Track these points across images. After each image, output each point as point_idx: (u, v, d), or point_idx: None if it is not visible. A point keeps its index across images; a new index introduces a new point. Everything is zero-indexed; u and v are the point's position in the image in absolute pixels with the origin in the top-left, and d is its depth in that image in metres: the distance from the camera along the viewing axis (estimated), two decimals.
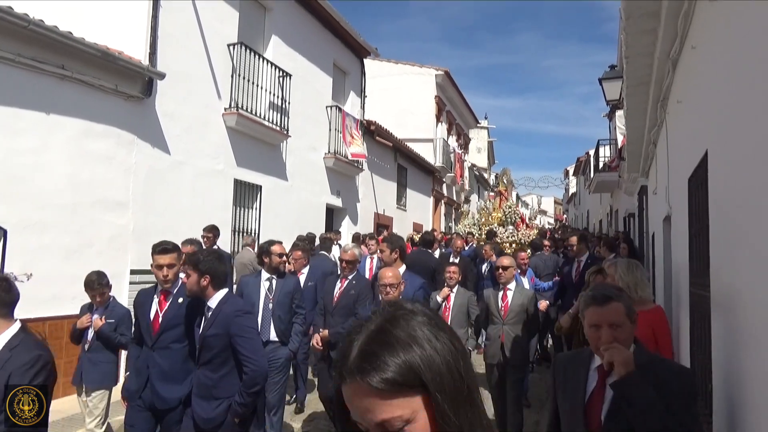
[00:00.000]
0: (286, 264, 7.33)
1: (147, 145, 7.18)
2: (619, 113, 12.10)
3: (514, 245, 12.12)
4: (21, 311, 5.72)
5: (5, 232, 5.28)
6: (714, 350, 2.58)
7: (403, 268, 4.58)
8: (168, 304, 3.62)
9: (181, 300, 3.60)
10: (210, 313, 3.24)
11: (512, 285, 5.08)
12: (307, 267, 6.33)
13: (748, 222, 1.96)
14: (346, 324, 4.69)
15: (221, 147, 8.69)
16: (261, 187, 9.70)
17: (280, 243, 5.24)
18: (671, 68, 4.06)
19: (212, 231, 7.26)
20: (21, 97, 5.61)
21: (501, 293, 5.06)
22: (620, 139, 13.08)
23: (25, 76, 5.64)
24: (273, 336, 4.80)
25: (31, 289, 5.33)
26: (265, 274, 5.00)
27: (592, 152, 21.12)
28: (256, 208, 9.67)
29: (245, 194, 9.43)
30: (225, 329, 3.11)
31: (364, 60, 14.36)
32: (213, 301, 3.25)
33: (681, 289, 4.12)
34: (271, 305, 4.85)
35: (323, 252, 8.46)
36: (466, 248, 11.31)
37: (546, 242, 9.39)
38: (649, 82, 4.77)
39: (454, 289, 5.54)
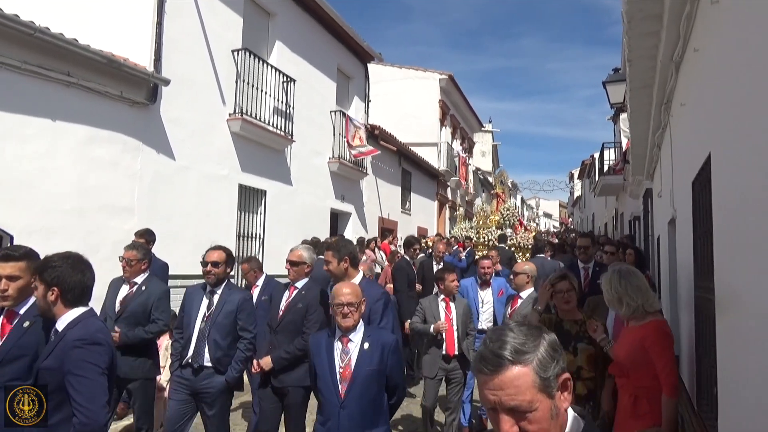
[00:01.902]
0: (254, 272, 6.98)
1: (152, 150, 7.22)
2: (624, 116, 12.09)
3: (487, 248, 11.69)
4: None
5: (11, 237, 5.32)
6: (719, 353, 2.57)
7: (359, 278, 3.87)
8: (10, 329, 2.73)
9: (27, 324, 2.72)
10: (54, 338, 2.49)
11: (525, 293, 4.98)
12: (263, 278, 5.64)
13: (753, 224, 1.95)
14: (291, 347, 4.00)
15: (226, 152, 8.72)
16: (265, 192, 9.73)
17: (220, 248, 4.27)
18: (674, 71, 4.05)
19: (144, 235, 6.12)
20: (27, 103, 5.65)
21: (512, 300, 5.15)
22: (624, 142, 13.05)
23: (32, 83, 5.69)
24: (207, 361, 4.05)
25: None
26: (208, 287, 4.21)
27: (596, 155, 21.08)
28: (260, 213, 9.70)
29: (250, 199, 9.46)
30: (61, 362, 2.37)
31: (368, 65, 14.40)
32: (61, 323, 2.48)
33: (685, 293, 4.10)
34: (203, 325, 4.08)
35: (321, 257, 8.48)
36: (464, 253, 11.16)
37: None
38: (653, 85, 4.77)
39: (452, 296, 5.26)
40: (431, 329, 4.98)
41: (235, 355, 4.12)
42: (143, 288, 4.59)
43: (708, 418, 2.99)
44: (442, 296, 5.18)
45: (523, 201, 44.56)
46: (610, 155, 17.94)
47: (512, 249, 11.40)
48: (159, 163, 7.35)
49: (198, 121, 8.08)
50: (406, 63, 21.69)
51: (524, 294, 5.05)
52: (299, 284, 4.24)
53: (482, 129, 29.97)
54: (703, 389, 3.08)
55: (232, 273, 4.39)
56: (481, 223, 14.15)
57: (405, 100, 19.78)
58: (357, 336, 3.05)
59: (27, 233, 5.55)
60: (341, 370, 2.99)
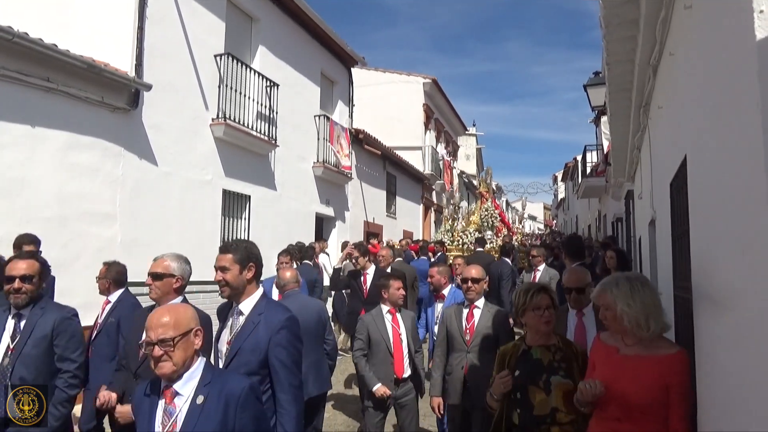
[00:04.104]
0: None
1: (134, 156, 7.16)
2: (604, 119, 12.23)
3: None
4: None
5: None
6: (697, 351, 2.61)
7: (257, 295, 2.76)
8: None
9: None
10: None
11: (480, 302, 4.05)
12: (118, 294, 4.30)
13: (727, 225, 1.99)
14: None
15: (209, 158, 8.68)
16: (250, 197, 9.69)
17: (30, 257, 3.34)
18: (652, 74, 4.13)
19: (35, 242, 5.09)
20: (6, 110, 5.58)
21: (467, 312, 4.02)
22: (606, 144, 13.20)
23: (10, 89, 5.62)
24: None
25: None
26: (13, 309, 3.18)
27: (579, 158, 21.31)
28: (245, 219, 9.66)
29: (234, 204, 9.41)
30: None
31: (352, 69, 14.44)
32: None
33: (665, 292, 4.16)
34: (7, 360, 3.04)
35: (306, 261, 8.45)
36: (434, 259, 10.83)
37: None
38: (631, 89, 4.85)
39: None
40: (374, 390, 4.08)
41: (54, 397, 3.06)
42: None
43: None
44: (387, 308, 4.35)
45: (508, 203, 44.84)
46: (592, 157, 18.15)
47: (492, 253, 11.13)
48: (141, 169, 7.28)
49: (181, 127, 8.02)
50: (391, 67, 21.75)
51: (479, 303, 4.10)
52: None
53: (466, 132, 30.13)
54: None
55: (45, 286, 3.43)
56: (455, 225, 13.28)
57: (389, 104, 19.83)
58: (187, 386, 2.05)
59: (7, 242, 5.47)
60: None
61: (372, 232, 15.10)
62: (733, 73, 1.84)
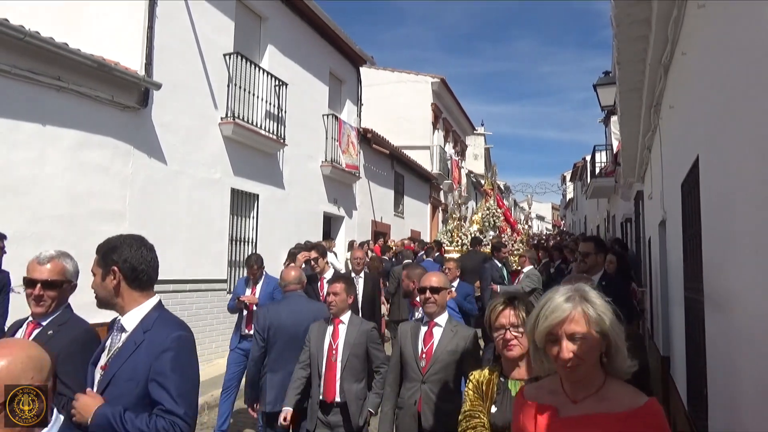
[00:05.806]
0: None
1: (143, 155, 7.19)
2: (614, 119, 12.15)
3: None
4: None
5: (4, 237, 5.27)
6: (708, 352, 2.59)
7: (146, 309, 2.16)
8: None
9: None
10: None
11: (443, 318, 3.15)
12: None
13: (739, 225, 1.97)
14: None
15: (218, 156, 8.70)
16: (258, 196, 9.72)
17: None
18: (663, 74, 4.09)
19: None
20: (17, 108, 5.62)
21: (425, 330, 3.14)
22: (615, 144, 13.08)
23: (22, 87, 5.66)
24: None
25: None
26: None
27: (588, 158, 21.19)
28: (253, 217, 9.68)
29: (242, 203, 9.44)
30: None
31: (361, 68, 14.44)
32: None
33: (676, 293, 4.13)
34: None
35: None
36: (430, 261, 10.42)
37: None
38: (642, 88, 4.81)
39: (345, 318, 3.61)
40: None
41: None
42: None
43: (699, 418, 3.01)
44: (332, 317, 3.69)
45: (515, 203, 44.73)
46: (601, 158, 18.03)
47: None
48: (151, 168, 7.32)
49: (190, 125, 8.05)
50: (400, 66, 21.81)
51: (441, 320, 3.18)
52: (47, 320, 2.48)
53: (474, 132, 30.07)
54: (694, 390, 3.11)
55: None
56: (456, 224, 12.64)
57: (397, 104, 19.83)
58: None
59: (17, 240, 5.51)
60: None
61: (380, 231, 15.10)
62: (748, 72, 1.82)
